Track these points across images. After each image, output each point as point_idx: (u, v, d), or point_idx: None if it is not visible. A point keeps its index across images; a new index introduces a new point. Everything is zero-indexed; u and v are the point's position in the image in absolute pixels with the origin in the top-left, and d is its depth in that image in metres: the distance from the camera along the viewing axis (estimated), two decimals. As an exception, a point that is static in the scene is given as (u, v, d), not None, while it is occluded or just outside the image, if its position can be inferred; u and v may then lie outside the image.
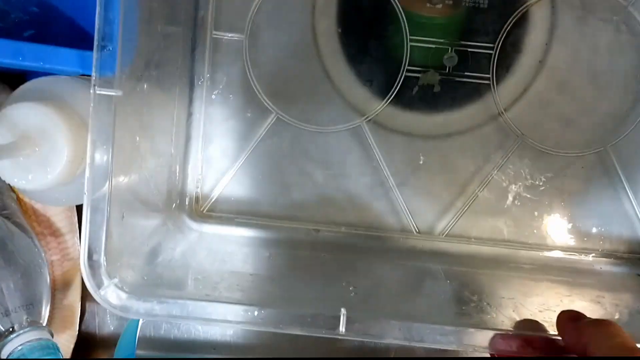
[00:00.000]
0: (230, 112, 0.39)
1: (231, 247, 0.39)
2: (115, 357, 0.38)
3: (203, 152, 0.39)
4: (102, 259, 0.27)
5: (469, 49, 0.38)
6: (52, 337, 0.33)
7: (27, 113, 0.29)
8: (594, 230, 0.39)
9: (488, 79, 0.38)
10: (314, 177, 0.39)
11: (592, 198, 0.39)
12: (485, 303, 0.32)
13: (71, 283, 0.40)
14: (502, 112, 0.38)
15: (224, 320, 0.28)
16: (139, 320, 0.38)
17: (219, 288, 0.33)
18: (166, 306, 0.28)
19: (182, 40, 0.37)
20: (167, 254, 0.36)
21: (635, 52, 0.38)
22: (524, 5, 0.37)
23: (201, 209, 0.40)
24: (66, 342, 0.39)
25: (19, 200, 0.38)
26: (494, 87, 0.38)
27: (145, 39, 0.31)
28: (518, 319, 0.29)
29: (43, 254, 0.37)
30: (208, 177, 0.40)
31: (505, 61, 0.38)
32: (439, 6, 0.37)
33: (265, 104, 0.39)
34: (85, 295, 0.41)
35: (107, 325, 0.42)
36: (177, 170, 0.39)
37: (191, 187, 0.40)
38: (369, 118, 0.39)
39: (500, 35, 0.38)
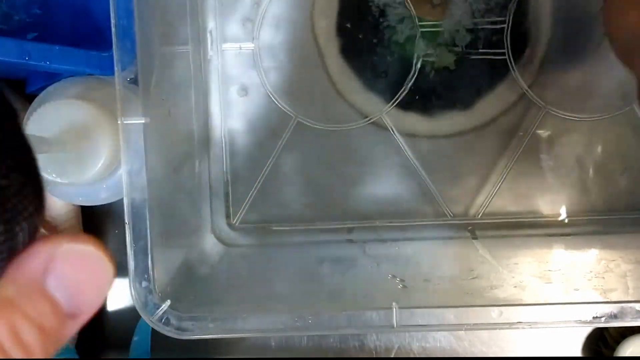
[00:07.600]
0: (250, 122, 0.39)
1: (268, 256, 0.39)
2: (130, 357, 0.38)
3: (229, 166, 0.40)
4: (152, 286, 0.28)
5: (481, 26, 0.37)
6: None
7: (71, 109, 0.29)
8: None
9: (504, 54, 0.37)
10: (341, 175, 0.39)
11: (624, 159, 0.39)
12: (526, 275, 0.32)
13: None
14: (523, 86, 0.38)
15: (278, 330, 0.28)
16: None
17: (264, 298, 0.33)
18: (220, 323, 0.28)
19: (194, 59, 0.37)
20: (207, 271, 0.36)
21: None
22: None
23: (234, 222, 0.40)
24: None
25: None
26: (511, 62, 0.38)
27: (161, 62, 0.31)
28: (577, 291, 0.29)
29: None
30: (236, 189, 0.40)
31: (519, 33, 0.37)
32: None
33: (284, 109, 0.39)
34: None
35: (107, 325, 0.42)
36: (206, 187, 0.39)
37: (221, 202, 0.40)
38: (389, 108, 0.38)
39: (510, 8, 0.37)
